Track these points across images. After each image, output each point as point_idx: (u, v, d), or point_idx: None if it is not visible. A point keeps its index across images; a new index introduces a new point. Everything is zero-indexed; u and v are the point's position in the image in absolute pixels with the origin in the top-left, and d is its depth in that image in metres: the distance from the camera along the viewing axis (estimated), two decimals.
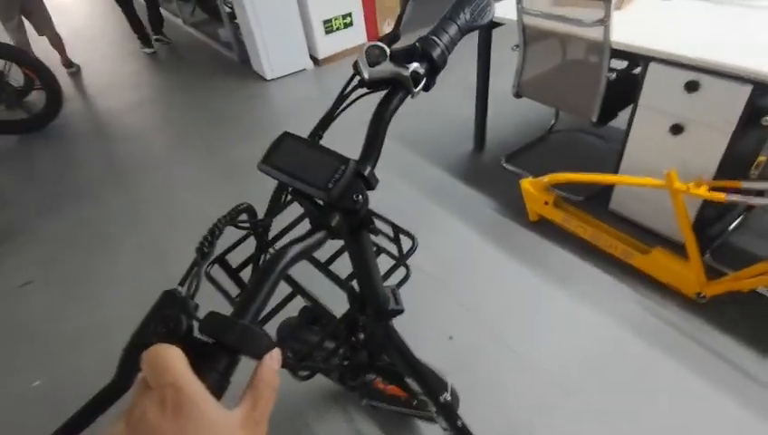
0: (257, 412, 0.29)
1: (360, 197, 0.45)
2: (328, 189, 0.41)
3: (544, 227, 1.99)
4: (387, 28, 4.16)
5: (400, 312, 0.69)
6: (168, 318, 0.31)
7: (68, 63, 4.26)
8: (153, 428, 0.25)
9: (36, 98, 3.40)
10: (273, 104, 3.45)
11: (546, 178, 1.87)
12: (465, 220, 2.13)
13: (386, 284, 0.73)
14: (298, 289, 0.78)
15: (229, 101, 3.53)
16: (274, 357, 0.31)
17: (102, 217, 2.47)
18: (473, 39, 2.22)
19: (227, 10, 3.80)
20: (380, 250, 0.79)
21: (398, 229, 0.75)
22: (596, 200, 2.02)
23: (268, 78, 3.66)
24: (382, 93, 0.54)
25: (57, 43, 4.05)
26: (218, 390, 0.29)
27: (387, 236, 0.80)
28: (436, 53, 0.52)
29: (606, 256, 1.79)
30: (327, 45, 3.73)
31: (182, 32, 5.16)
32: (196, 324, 0.31)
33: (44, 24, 3.86)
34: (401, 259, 0.73)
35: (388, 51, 0.51)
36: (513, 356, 1.56)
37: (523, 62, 2.03)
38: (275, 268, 0.36)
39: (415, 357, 0.81)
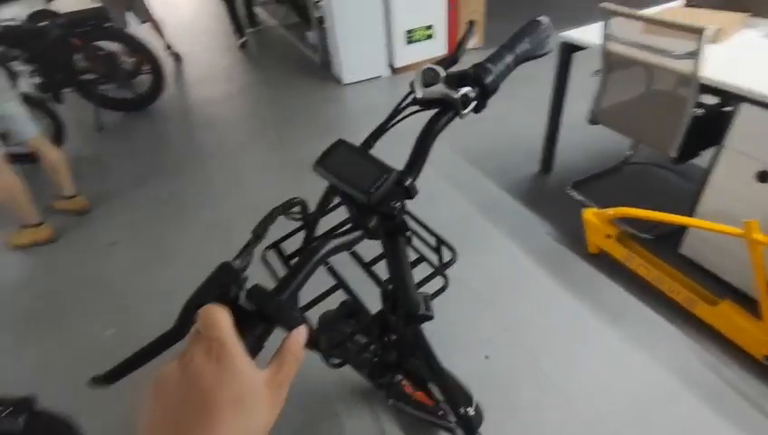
0: (280, 375, 0.34)
1: (398, 204, 0.48)
2: (369, 193, 0.46)
3: (603, 261, 1.91)
4: (471, 42, 4.17)
5: (429, 318, 0.72)
6: (221, 285, 0.37)
7: (167, 46, 4.74)
8: (198, 369, 0.30)
9: (142, 81, 3.80)
10: (346, 108, 3.59)
11: (612, 211, 1.79)
12: (519, 242, 2.09)
13: (421, 290, 0.76)
14: (341, 283, 0.84)
15: (307, 100, 3.73)
16: (301, 332, 0.36)
17: (183, 192, 2.73)
18: (551, 60, 2.19)
19: (317, 15, 4.02)
20: (421, 258, 0.82)
21: (439, 240, 0.78)
22: (665, 241, 1.90)
23: (345, 82, 3.82)
24: (433, 112, 0.57)
25: (157, 27, 4.54)
26: (253, 351, 0.34)
27: (429, 245, 0.83)
28: (488, 79, 0.55)
29: (667, 300, 1.68)
30: (406, 55, 3.82)
31: (275, 33, 5.52)
32: (243, 293, 0.37)
33: (145, 13, 4.37)
34: (439, 269, 0.76)
35: (442, 74, 0.54)
36: (550, 387, 1.51)
37: (603, 88, 1.96)
38: (314, 257, 0.42)
39: (440, 364, 0.83)
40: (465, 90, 0.53)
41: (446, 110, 0.55)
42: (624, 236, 1.84)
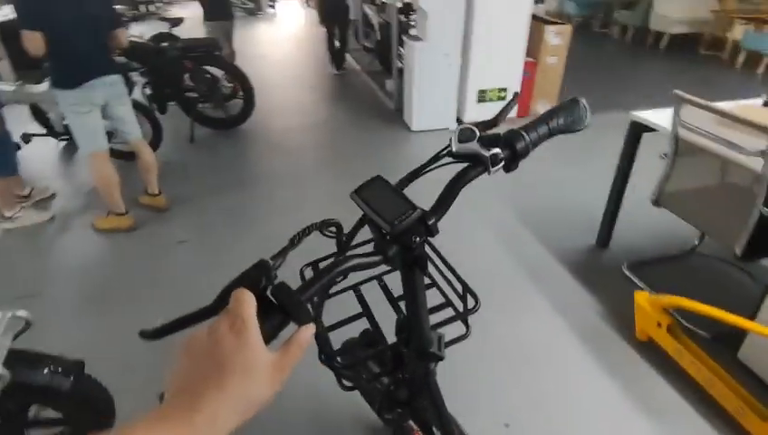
0: (284, 360, 0.40)
1: (417, 239, 0.53)
2: (392, 224, 0.52)
3: (650, 350, 1.80)
4: (540, 108, 4.24)
5: (439, 358, 0.75)
6: (255, 276, 0.44)
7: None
8: (220, 337, 0.38)
9: (235, 104, 4.23)
10: (411, 152, 3.74)
11: (667, 299, 1.71)
12: (562, 313, 2.03)
13: (440, 331, 0.79)
14: (366, 312, 0.89)
15: (376, 141, 3.94)
16: (310, 328, 0.42)
17: (248, 205, 2.97)
18: (620, 130, 2.19)
19: (399, 65, 4.30)
20: (446, 303, 0.85)
21: (465, 286, 0.82)
22: (722, 342, 1.76)
23: (414, 129, 4.00)
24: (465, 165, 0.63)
25: (231, 56, 4.97)
26: (268, 336, 0.41)
27: (456, 291, 0.87)
28: (518, 145, 0.61)
29: (715, 405, 1.54)
30: (475, 112, 3.95)
31: (357, 78, 5.94)
32: (270, 288, 0.45)
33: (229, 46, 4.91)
34: (461, 314, 0.79)
35: (477, 133, 0.61)
36: None
37: (670, 172, 1.92)
38: (334, 270, 0.48)
39: (446, 411, 0.84)
40: (495, 150, 0.59)
41: (476, 165, 0.61)
42: (677, 328, 1.73)
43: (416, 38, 3.76)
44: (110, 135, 2.71)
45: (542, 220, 2.71)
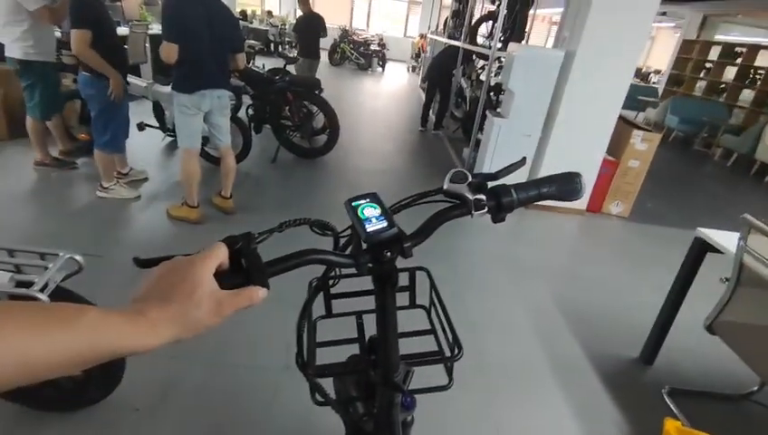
0: (228, 301, 0.47)
1: (389, 254, 0.58)
2: (368, 234, 0.58)
3: None
4: (614, 209, 4.11)
5: (400, 390, 0.75)
6: (236, 239, 0.53)
7: None
8: (181, 265, 0.47)
9: (321, 138, 4.60)
10: (465, 217, 3.76)
11: None
12: (582, 421, 1.87)
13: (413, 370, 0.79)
14: (360, 338, 0.93)
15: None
16: (260, 290, 0.50)
17: (303, 229, 3.13)
18: (683, 246, 2.07)
19: (478, 137, 4.45)
20: (438, 350, 0.86)
21: (454, 334, 0.83)
22: None
23: None
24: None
25: None
26: (224, 285, 0.48)
27: (448, 340, 0.87)
28: (505, 198, 0.64)
29: None
30: None
31: (437, 139, 6.20)
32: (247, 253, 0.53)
33: None
34: (444, 359, 0.80)
35: (469, 178, 0.65)
36: None
37: (729, 299, 1.77)
38: (303, 257, 0.56)
39: None
40: (479, 196, 0.64)
41: (460, 205, 0.65)
42: None
43: (499, 115, 3.90)
44: (206, 139, 3.08)
45: (585, 318, 2.56)
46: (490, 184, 0.67)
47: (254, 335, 2.04)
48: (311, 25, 5.74)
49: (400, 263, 0.78)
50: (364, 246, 0.61)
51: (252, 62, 6.91)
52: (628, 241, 3.84)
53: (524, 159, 0.76)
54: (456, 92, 6.43)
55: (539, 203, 3.43)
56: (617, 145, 3.92)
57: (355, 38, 13.70)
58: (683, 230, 3.93)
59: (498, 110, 4.14)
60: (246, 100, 4.35)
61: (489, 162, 3.89)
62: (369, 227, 0.59)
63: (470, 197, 0.64)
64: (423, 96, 6.71)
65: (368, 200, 0.63)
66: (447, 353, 0.84)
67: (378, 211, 0.61)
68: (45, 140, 3.43)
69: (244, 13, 11.98)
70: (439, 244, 3.11)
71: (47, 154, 3.46)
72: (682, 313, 2.11)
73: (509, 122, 3.78)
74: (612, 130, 3.78)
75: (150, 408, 1.66)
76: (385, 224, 0.60)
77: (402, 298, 0.90)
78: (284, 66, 5.62)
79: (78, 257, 1.32)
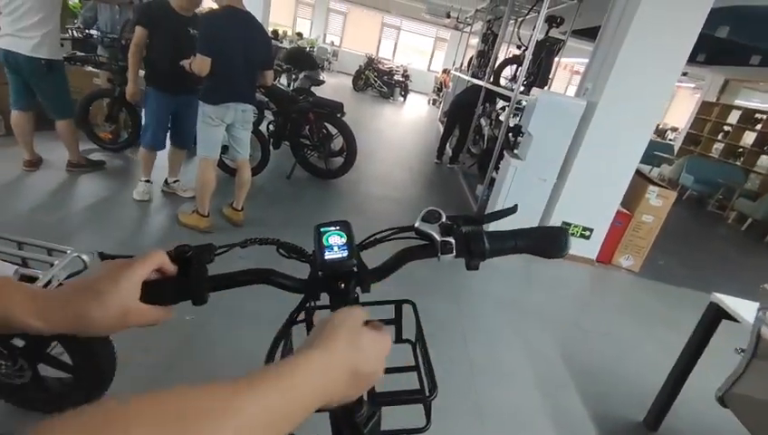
0: (137, 313, 0.49)
1: (342, 285, 0.58)
2: (323, 260, 0.57)
3: None
4: (624, 262, 4.05)
5: (357, 428, 0.71)
6: (189, 248, 0.58)
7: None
8: (119, 261, 0.50)
9: (337, 160, 4.64)
10: None
11: None
12: None
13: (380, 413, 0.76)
14: None
15: None
16: (167, 315, 0.54)
17: (307, 245, 3.11)
18: (701, 311, 2.00)
19: (493, 176, 4.46)
20: (419, 389, 0.82)
21: (430, 371, 0.79)
22: None
23: None
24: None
25: None
26: (150, 292, 0.51)
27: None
28: (474, 246, 0.61)
29: None
30: None
31: (451, 173, 6.23)
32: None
33: None
34: (419, 399, 0.76)
35: (442, 218, 0.63)
36: None
37: (743, 372, 1.70)
38: (255, 274, 0.60)
39: None
40: (447, 239, 0.60)
41: (428, 247, 0.62)
42: None
43: (516, 156, 3.91)
44: (225, 149, 3.12)
45: (590, 372, 2.48)
46: (467, 229, 0.63)
47: (221, 356, 1.98)
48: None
49: (387, 295, 0.76)
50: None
51: (278, 79, 7.09)
52: (637, 297, 3.76)
53: (516, 206, 0.73)
54: (474, 129, 6.50)
55: None
56: (631, 198, 3.90)
57: (380, 67, 14.03)
58: (694, 291, 3.85)
59: (515, 151, 4.16)
60: (268, 115, 4.42)
61: (502, 201, 3.88)
62: (329, 255, 0.58)
63: (438, 238, 0.61)
64: (441, 129, 6.81)
65: (337, 228, 0.61)
66: (427, 393, 0.81)
67: (343, 241, 0.60)
68: (78, 141, 3.45)
69: (275, 32, 12.37)
70: (446, 283, 3.07)
71: (81, 155, 3.48)
72: (691, 379, 2.03)
73: (525, 164, 3.78)
74: (628, 184, 3.76)
75: None
76: (345, 255, 0.58)
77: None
78: (310, 87, 5.74)
79: (84, 257, 1.31)
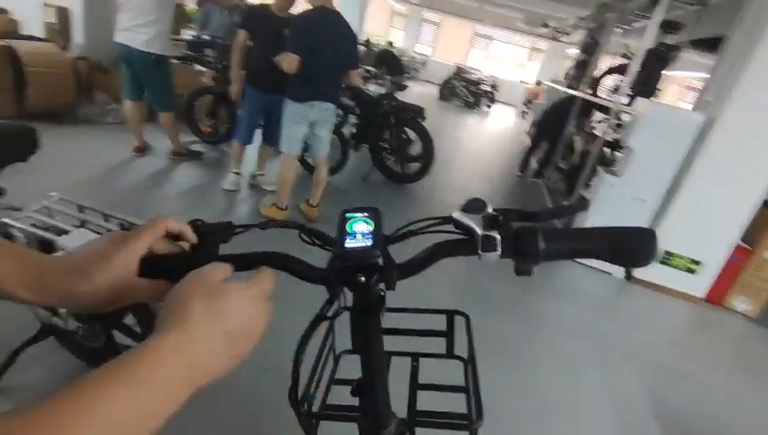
0: (134, 287, 0.47)
1: (363, 278, 0.49)
2: (344, 249, 0.49)
3: None
4: (738, 304, 3.46)
5: None
6: (205, 225, 0.55)
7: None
8: (121, 233, 0.48)
9: (413, 166, 4.57)
10: (561, 277, 3.41)
11: None
12: None
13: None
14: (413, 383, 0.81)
15: None
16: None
17: None
18: None
19: (581, 193, 4.08)
20: (455, 421, 0.72)
21: (478, 396, 0.69)
22: None
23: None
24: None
25: None
26: (152, 263, 0.48)
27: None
28: (525, 243, 0.49)
29: None
30: (650, 269, 3.41)
31: (537, 190, 5.86)
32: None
33: None
34: (463, 425, 0.67)
35: (487, 209, 0.52)
36: None
37: None
38: (265, 257, 0.52)
39: None
40: (492, 234, 0.49)
41: (468, 241, 0.51)
42: None
43: (612, 172, 3.53)
44: (307, 147, 3.19)
45: (683, 427, 2.10)
46: (518, 224, 0.52)
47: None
48: None
49: (436, 304, 0.65)
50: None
51: (365, 85, 7.22)
52: (753, 347, 3.17)
53: (586, 201, 0.59)
54: (564, 143, 6.07)
55: (644, 277, 2.99)
56: (755, 232, 3.31)
57: (467, 76, 13.79)
58: None
59: (612, 167, 3.76)
60: (351, 119, 4.49)
61: (592, 220, 3.52)
62: (350, 243, 0.50)
63: (479, 232, 0.50)
64: (527, 142, 6.43)
65: (365, 215, 0.53)
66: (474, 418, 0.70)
67: (369, 229, 0.51)
68: (179, 132, 3.77)
69: (367, 41, 12.72)
70: (517, 300, 2.83)
71: (182, 145, 3.80)
72: None
73: (622, 182, 3.39)
74: (751, 215, 3.21)
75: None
76: (369, 244, 0.50)
77: (439, 345, 0.82)
78: (394, 92, 5.76)
79: None
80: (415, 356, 0.87)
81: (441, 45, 17.88)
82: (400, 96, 4.94)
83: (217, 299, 0.40)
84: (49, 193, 1.44)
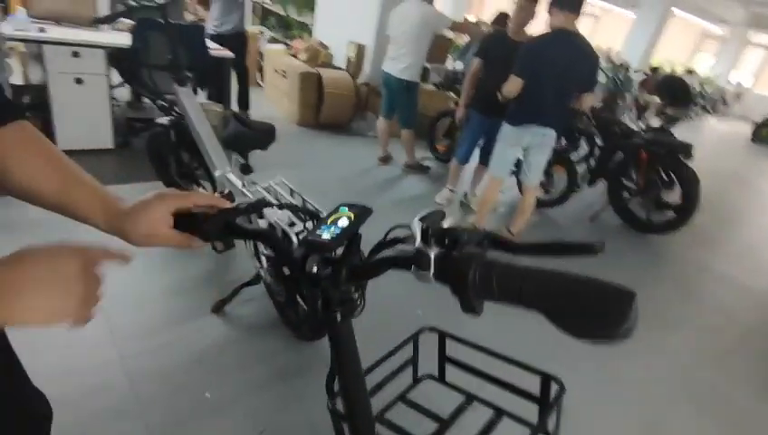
0: (166, 235, 0.57)
1: (315, 266, 0.50)
2: (306, 236, 0.51)
3: None
4: None
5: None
6: (231, 197, 0.62)
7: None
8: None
9: (662, 214, 3.70)
10: None
11: None
12: None
13: None
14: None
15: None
16: (195, 243, 0.60)
17: None
18: None
19: None
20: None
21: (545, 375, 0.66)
22: None
23: None
24: None
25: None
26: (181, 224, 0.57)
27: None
28: (457, 274, 0.40)
29: None
30: None
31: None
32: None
33: None
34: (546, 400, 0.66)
35: (447, 224, 0.48)
36: None
37: None
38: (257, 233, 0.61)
39: None
40: (431, 251, 0.43)
41: (410, 256, 0.45)
42: None
43: None
44: (516, 172, 3.06)
45: None
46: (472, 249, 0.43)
47: None
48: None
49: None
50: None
51: (642, 118, 6.27)
52: None
53: (600, 245, 0.40)
54: None
55: None
56: None
57: None
58: None
59: None
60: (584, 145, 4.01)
61: None
62: (318, 232, 0.51)
63: (411, 246, 0.46)
64: None
65: (351, 211, 0.53)
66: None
67: (345, 224, 0.51)
68: (414, 147, 4.25)
69: (654, 69, 10.99)
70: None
71: (415, 159, 4.27)
72: None
73: None
74: None
75: None
76: (332, 238, 0.49)
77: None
78: (662, 126, 4.83)
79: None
80: (499, 412, 0.80)
81: (766, 75, 13.73)
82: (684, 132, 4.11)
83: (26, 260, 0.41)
84: (278, 177, 1.89)
